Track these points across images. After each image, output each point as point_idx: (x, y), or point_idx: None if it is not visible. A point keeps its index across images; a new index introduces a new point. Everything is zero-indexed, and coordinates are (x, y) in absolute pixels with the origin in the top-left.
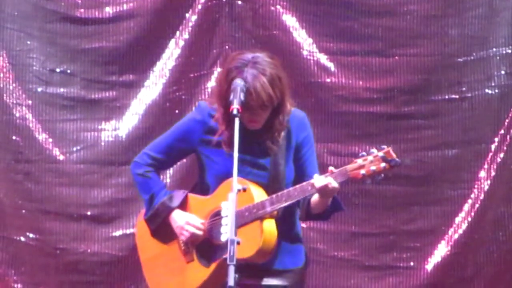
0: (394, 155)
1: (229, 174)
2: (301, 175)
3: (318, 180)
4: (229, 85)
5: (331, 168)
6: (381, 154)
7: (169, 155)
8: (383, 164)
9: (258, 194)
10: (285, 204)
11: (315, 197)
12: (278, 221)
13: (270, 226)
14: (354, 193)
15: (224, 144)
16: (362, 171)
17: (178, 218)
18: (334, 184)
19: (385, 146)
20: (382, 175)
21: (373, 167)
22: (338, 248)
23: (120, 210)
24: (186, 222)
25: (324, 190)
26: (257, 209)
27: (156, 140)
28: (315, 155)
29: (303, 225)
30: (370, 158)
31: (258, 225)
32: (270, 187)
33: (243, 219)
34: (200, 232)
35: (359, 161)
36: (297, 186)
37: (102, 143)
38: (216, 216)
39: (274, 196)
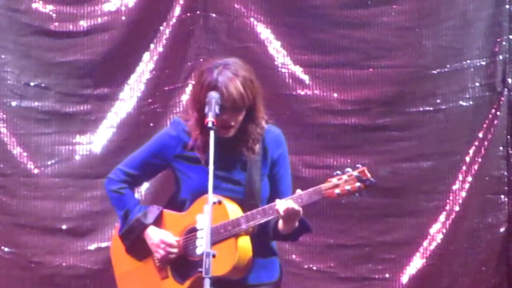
0: (369, 175)
1: (204, 190)
2: (274, 192)
3: (281, 204)
4: (201, 87)
5: (298, 190)
6: (355, 173)
7: (144, 171)
8: (358, 184)
9: (233, 210)
10: (261, 221)
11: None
12: (252, 236)
13: (245, 243)
14: (329, 204)
15: (198, 150)
16: (337, 191)
17: (153, 235)
18: (295, 207)
19: (359, 165)
20: (357, 194)
21: (347, 187)
22: (313, 260)
23: (95, 223)
24: (161, 240)
25: (287, 215)
26: (232, 226)
27: (131, 155)
28: (289, 172)
29: None
30: (345, 177)
31: (233, 242)
32: (246, 203)
33: (219, 236)
34: (174, 250)
35: (334, 180)
36: (272, 204)
37: (77, 157)
38: (191, 233)
39: (249, 213)
